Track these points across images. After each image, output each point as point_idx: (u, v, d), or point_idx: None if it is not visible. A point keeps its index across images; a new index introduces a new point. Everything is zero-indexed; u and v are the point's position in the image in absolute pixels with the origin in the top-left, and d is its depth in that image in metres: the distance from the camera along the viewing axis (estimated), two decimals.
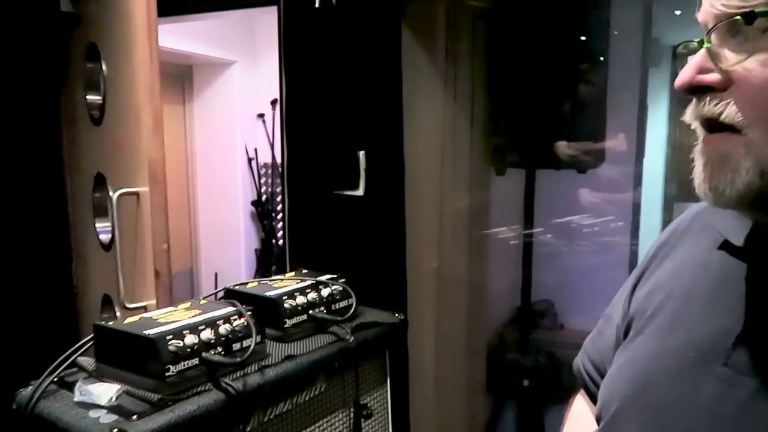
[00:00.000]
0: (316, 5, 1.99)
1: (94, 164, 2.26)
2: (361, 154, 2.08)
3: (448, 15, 2.38)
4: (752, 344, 0.60)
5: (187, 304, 1.28)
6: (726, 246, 0.70)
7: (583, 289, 4.16)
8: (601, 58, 2.52)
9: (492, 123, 2.59)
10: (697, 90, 0.63)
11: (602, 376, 0.86)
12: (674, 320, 0.70)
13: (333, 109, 2.10)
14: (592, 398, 0.94)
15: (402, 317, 1.61)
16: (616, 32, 2.73)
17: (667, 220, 5.66)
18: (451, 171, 2.45)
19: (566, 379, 3.68)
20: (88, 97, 2.24)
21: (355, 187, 2.08)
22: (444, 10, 2.36)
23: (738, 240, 0.69)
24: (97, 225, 2.28)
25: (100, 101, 2.18)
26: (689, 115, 0.68)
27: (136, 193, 1.93)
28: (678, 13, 4.29)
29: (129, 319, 1.17)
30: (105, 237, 2.25)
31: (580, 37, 2.49)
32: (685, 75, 0.63)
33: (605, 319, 0.95)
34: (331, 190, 2.11)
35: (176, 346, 1.07)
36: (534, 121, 2.48)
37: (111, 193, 2.10)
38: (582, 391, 1.02)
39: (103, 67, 2.10)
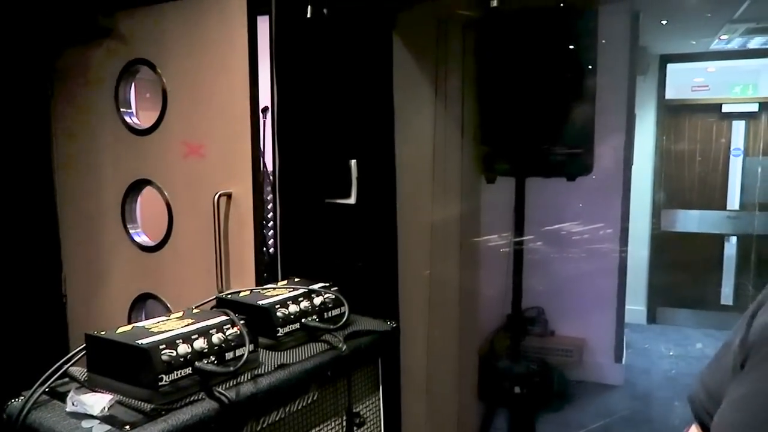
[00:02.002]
0: (308, 15, 2.00)
1: (131, 171, 2.34)
2: (353, 162, 2.09)
3: (438, 25, 2.40)
4: None
5: (180, 314, 1.28)
6: None
7: (574, 296, 4.19)
8: (589, 67, 2.55)
9: (482, 131, 2.61)
10: None
11: (719, 405, 0.82)
12: None
13: (324, 117, 2.10)
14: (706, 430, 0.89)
15: (394, 325, 1.61)
16: (603, 41, 2.76)
17: (655, 227, 5.73)
18: (441, 179, 2.47)
19: (557, 385, 3.69)
20: (122, 109, 2.35)
21: (347, 195, 2.09)
22: (434, 20, 2.38)
23: None
24: (129, 228, 2.38)
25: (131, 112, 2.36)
26: None
27: (229, 194, 2.12)
28: (664, 22, 4.36)
29: (121, 329, 1.17)
30: (140, 239, 2.38)
31: (568, 46, 2.51)
32: None
33: (723, 346, 0.89)
34: (322, 198, 2.12)
35: (169, 356, 1.07)
36: (523, 129, 2.50)
37: (165, 191, 2.27)
38: (696, 423, 0.95)
39: (164, 80, 2.22)
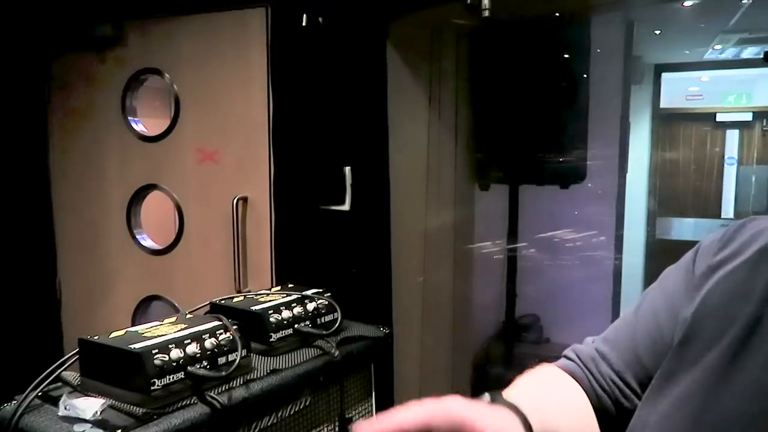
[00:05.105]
0: (303, 24, 2.02)
1: (137, 177, 2.40)
2: (347, 169, 2.10)
3: (432, 34, 2.42)
4: None
5: (173, 319, 1.29)
6: None
7: (569, 303, 4.19)
8: (584, 76, 2.57)
9: (476, 139, 2.63)
10: None
11: (629, 365, 0.78)
12: (742, 351, 0.63)
13: (320, 125, 2.12)
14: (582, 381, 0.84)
15: (387, 331, 1.62)
16: (598, 50, 2.78)
17: (650, 235, 5.74)
18: (435, 186, 2.48)
19: None
20: (129, 116, 2.40)
21: (341, 202, 2.10)
22: (428, 29, 2.40)
23: None
24: (136, 233, 2.43)
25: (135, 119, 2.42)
26: None
27: (245, 197, 2.20)
28: (658, 32, 4.39)
29: (114, 334, 1.18)
30: (149, 243, 2.43)
31: (562, 55, 2.54)
32: None
33: (639, 313, 0.84)
34: (317, 205, 2.14)
35: (161, 360, 1.08)
36: (517, 137, 2.52)
37: (175, 196, 2.33)
38: (561, 362, 0.89)
39: (176, 89, 2.29)
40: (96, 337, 1.15)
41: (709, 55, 5.02)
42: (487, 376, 3.02)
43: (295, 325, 1.42)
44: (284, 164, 2.12)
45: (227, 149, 2.24)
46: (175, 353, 1.11)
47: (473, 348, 3.16)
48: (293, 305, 1.45)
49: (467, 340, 2.92)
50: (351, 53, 2.08)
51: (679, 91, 5.77)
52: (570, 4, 2.49)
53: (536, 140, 2.53)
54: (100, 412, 1.05)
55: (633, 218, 5.27)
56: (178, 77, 2.29)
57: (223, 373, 1.16)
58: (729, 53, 4.92)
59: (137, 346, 1.08)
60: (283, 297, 1.48)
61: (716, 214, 5.78)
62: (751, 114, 5.67)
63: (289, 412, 1.31)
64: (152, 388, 1.06)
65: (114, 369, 1.11)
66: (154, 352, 1.08)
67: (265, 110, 2.14)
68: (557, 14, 2.53)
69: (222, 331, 1.22)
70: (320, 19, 2.02)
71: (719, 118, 5.75)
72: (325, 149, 2.13)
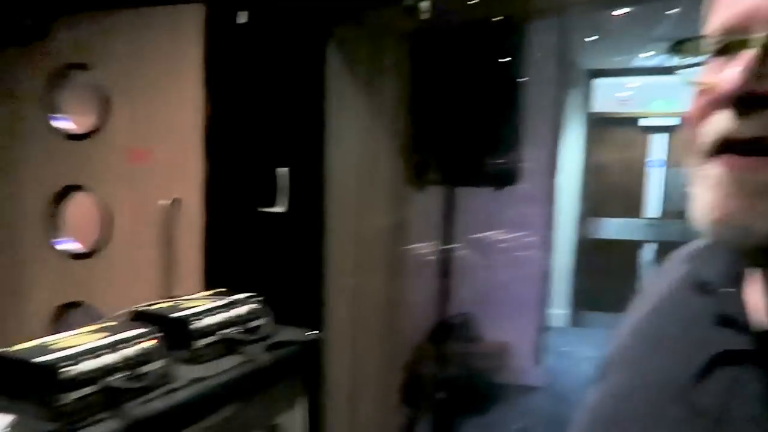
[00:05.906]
0: (240, 21, 1.97)
1: (59, 177, 2.29)
2: (283, 170, 2.07)
3: (373, 35, 2.41)
4: (710, 385, 0.56)
5: (92, 327, 1.23)
6: (703, 288, 0.63)
7: (500, 302, 4.30)
8: (519, 80, 2.62)
9: (414, 141, 2.64)
10: (748, 102, 0.46)
11: None
12: (642, 360, 0.67)
13: (256, 125, 2.08)
14: None
15: (317, 334, 1.61)
16: (535, 55, 2.84)
17: (582, 235, 5.93)
18: (372, 188, 2.48)
19: (480, 389, 3.78)
20: (54, 114, 2.29)
21: (277, 204, 2.07)
22: (368, 31, 2.38)
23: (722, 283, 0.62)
24: (57, 236, 2.33)
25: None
26: (710, 132, 0.50)
27: (177, 200, 2.15)
28: (591, 39, 4.54)
29: (23, 345, 1.11)
30: (71, 247, 2.33)
31: (497, 59, 2.57)
32: (738, 81, 0.45)
33: None
34: (251, 207, 2.09)
35: (72, 373, 1.02)
36: (453, 139, 2.54)
37: (100, 197, 2.26)
38: None
39: (103, 84, 2.22)
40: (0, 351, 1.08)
41: (639, 62, 5.22)
42: (419, 376, 3.04)
43: (222, 331, 1.39)
44: (218, 166, 2.07)
45: (159, 150, 2.18)
46: (88, 364, 1.05)
47: (406, 348, 3.18)
48: (219, 310, 1.41)
49: (400, 340, 2.94)
50: (290, 53, 2.04)
51: (611, 95, 5.99)
52: (508, 9, 2.52)
53: (473, 142, 2.56)
54: (8, 430, 0.99)
55: (564, 218, 5.45)
56: (107, 74, 2.23)
57: (142, 384, 1.11)
58: (657, 60, 5.14)
59: (43, 358, 1.02)
60: (210, 302, 1.44)
61: (642, 214, 6.05)
62: (678, 119, 5.93)
63: (214, 422, 1.28)
64: (61, 402, 1.00)
65: (20, 383, 1.05)
66: (62, 364, 1.02)
67: (200, 110, 2.09)
68: (495, 18, 2.56)
69: (142, 339, 1.17)
70: (259, 18, 1.98)
71: (645, 122, 6.01)
72: (261, 150, 2.08)
